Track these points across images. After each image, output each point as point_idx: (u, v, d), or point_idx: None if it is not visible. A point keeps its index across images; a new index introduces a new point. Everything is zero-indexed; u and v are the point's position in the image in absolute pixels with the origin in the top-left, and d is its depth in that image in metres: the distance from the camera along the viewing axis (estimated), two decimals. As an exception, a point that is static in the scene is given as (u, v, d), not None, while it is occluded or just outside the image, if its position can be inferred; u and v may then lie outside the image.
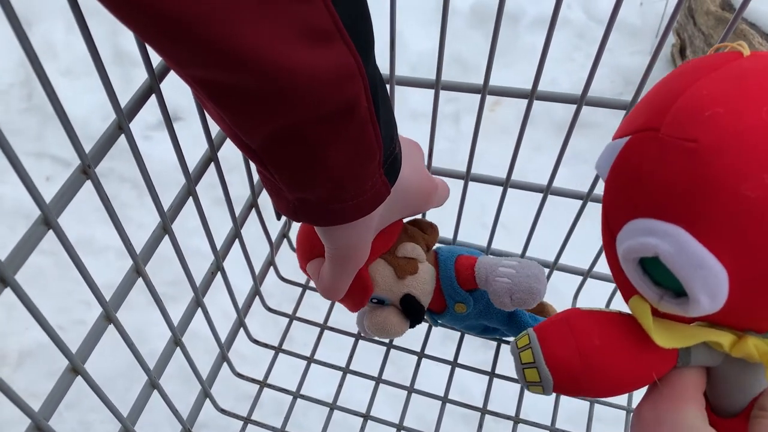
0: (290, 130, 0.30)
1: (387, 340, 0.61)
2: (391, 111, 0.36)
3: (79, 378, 0.37)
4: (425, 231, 0.53)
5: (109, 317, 0.39)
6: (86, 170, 0.33)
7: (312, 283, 0.65)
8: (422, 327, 0.58)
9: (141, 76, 0.36)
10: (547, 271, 0.63)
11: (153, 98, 0.38)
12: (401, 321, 0.50)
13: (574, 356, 0.29)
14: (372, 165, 0.34)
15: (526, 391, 0.36)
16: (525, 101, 0.49)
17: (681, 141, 0.24)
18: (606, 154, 0.29)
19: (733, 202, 0.23)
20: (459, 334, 0.61)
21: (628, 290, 0.29)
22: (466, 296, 0.50)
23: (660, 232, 0.25)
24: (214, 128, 0.46)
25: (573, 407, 0.66)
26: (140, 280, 0.42)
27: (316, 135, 0.30)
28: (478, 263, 0.50)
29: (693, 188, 0.24)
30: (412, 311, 0.49)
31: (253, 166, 0.54)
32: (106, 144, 0.34)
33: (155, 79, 0.37)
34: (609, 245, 0.29)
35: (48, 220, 0.31)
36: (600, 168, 0.29)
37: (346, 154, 0.32)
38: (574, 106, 0.48)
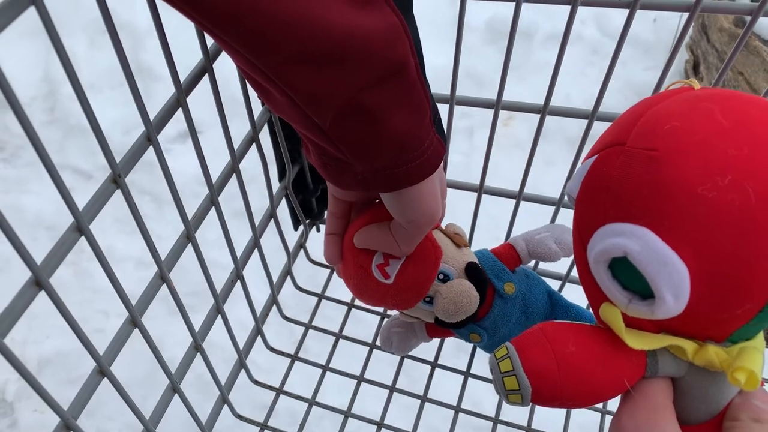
0: (355, 98, 0.32)
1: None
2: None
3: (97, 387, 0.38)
4: (452, 239, 0.54)
5: (134, 321, 0.40)
6: (116, 179, 0.35)
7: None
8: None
9: (160, 89, 0.37)
10: (558, 283, 0.64)
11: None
12: (473, 286, 0.49)
13: (550, 361, 0.31)
14: (426, 122, 0.37)
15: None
16: (538, 116, 0.50)
17: (644, 150, 0.27)
18: (577, 175, 0.32)
19: (691, 202, 0.26)
20: (472, 344, 0.61)
21: (597, 300, 0.32)
22: (512, 275, 0.52)
23: (627, 232, 0.27)
24: (236, 141, 0.47)
25: (584, 419, 0.67)
26: (161, 289, 0.43)
27: (377, 99, 0.33)
28: (513, 241, 0.52)
29: (655, 191, 0.27)
30: (478, 277, 0.50)
31: (273, 177, 0.55)
32: (135, 155, 0.36)
33: (182, 93, 0.38)
34: (580, 256, 0.31)
35: (81, 228, 0.33)
36: (571, 188, 0.32)
37: (404, 114, 0.35)
38: (587, 121, 0.50)
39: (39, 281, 0.30)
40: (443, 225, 0.53)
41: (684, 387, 0.32)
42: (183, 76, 0.39)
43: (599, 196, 0.29)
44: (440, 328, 0.54)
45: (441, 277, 0.49)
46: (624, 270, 0.28)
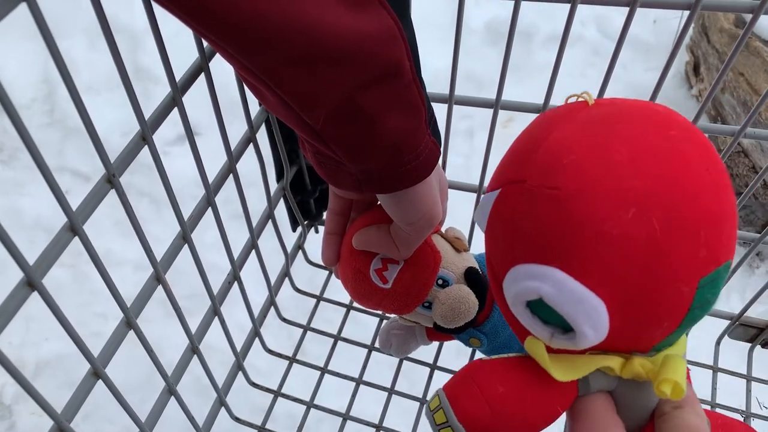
0: (348, 99, 0.32)
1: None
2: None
3: (94, 390, 0.38)
4: (452, 243, 0.54)
5: (129, 323, 0.40)
6: (111, 179, 0.34)
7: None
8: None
9: (159, 91, 0.37)
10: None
11: (171, 115, 0.39)
12: (472, 292, 0.49)
13: (482, 407, 0.31)
14: (421, 124, 0.36)
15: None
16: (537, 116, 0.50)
17: (546, 189, 0.27)
18: (483, 207, 0.31)
19: (599, 240, 0.26)
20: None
21: (521, 332, 0.31)
22: None
23: (540, 275, 0.27)
24: (233, 142, 0.47)
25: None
26: (158, 292, 0.43)
27: (371, 101, 0.32)
28: None
29: (562, 232, 0.26)
30: (478, 283, 0.49)
31: (271, 178, 0.55)
32: (130, 154, 0.36)
33: (178, 92, 0.38)
34: (498, 292, 0.31)
35: (74, 227, 0.32)
36: (478, 220, 0.32)
37: (399, 116, 0.34)
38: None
39: (31, 281, 0.30)
40: (443, 229, 0.52)
41: (619, 397, 0.32)
42: (180, 77, 0.39)
43: (506, 237, 0.29)
44: (440, 333, 0.53)
45: (440, 282, 0.49)
46: (542, 307, 0.28)
